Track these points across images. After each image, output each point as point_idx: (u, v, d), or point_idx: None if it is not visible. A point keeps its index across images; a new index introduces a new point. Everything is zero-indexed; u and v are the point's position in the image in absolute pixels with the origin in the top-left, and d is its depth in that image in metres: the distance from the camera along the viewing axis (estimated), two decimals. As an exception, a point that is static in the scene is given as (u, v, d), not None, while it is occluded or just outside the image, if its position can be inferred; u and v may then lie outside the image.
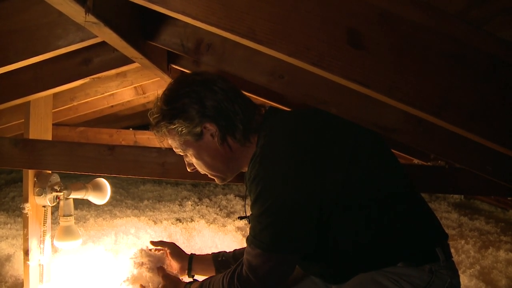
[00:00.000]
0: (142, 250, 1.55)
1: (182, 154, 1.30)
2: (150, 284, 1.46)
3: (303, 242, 1.12)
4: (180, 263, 1.56)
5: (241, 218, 1.47)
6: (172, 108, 1.20)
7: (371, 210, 1.13)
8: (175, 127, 1.20)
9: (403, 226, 1.15)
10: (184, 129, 1.20)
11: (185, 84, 1.22)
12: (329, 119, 1.27)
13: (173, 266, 1.56)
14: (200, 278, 1.58)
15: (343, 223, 1.14)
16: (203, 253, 1.63)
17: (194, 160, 1.28)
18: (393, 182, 1.19)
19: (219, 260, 1.54)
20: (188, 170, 1.33)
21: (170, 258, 1.56)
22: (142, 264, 1.51)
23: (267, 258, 1.12)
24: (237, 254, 1.55)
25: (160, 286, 1.44)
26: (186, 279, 1.56)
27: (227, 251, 1.58)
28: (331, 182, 1.10)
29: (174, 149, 1.30)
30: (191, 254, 1.59)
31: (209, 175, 1.32)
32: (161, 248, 1.59)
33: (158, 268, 1.48)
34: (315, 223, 1.11)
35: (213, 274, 1.54)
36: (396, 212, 1.15)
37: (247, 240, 1.16)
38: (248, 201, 1.21)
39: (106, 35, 1.27)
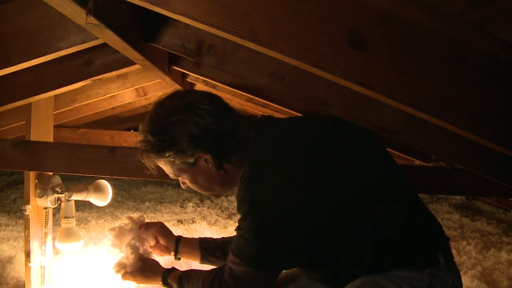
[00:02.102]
0: (130, 217, 1.56)
1: (175, 178, 1.27)
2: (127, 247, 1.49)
3: (287, 260, 1.13)
4: (167, 243, 1.56)
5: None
6: (161, 140, 1.15)
7: (371, 217, 1.12)
8: (166, 158, 1.17)
9: (403, 232, 1.14)
10: (176, 159, 1.17)
11: (170, 112, 1.16)
12: (323, 129, 1.21)
13: (160, 246, 1.57)
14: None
15: (342, 231, 1.13)
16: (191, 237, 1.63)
17: (188, 183, 1.27)
18: (393, 188, 1.18)
19: (206, 247, 1.54)
20: (183, 187, 1.31)
21: (157, 237, 1.56)
22: (128, 224, 1.53)
23: (249, 272, 1.12)
24: (225, 242, 1.54)
25: (135, 267, 1.45)
26: (172, 259, 1.60)
27: (215, 238, 1.58)
28: (327, 196, 1.09)
29: (167, 173, 1.26)
30: (179, 236, 1.59)
31: (203, 193, 1.32)
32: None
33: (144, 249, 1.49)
34: (305, 241, 1.11)
35: (198, 259, 1.54)
36: (396, 218, 1.14)
37: (231, 249, 1.16)
38: None
39: (107, 36, 1.27)
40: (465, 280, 2.56)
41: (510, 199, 3.38)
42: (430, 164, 2.20)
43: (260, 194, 1.09)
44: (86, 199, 2.07)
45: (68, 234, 2.05)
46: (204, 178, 1.22)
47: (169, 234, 1.58)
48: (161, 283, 1.38)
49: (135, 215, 1.58)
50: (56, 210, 2.39)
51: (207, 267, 1.43)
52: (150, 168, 1.26)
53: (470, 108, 1.06)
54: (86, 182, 2.17)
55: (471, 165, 1.73)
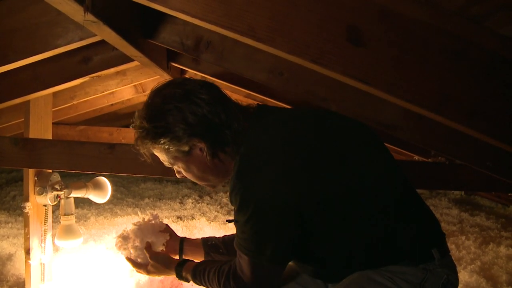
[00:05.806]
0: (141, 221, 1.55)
1: (170, 166, 1.28)
2: (136, 250, 1.47)
3: (287, 251, 1.13)
4: (172, 244, 1.56)
5: (229, 221, 1.46)
6: (156, 126, 1.15)
7: (364, 213, 1.12)
8: (161, 145, 1.17)
9: (397, 229, 1.14)
10: (171, 147, 1.17)
11: (166, 99, 1.16)
12: (317, 122, 1.21)
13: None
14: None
15: (335, 228, 1.13)
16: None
17: (183, 172, 1.27)
18: (388, 184, 1.17)
19: (209, 245, 1.55)
20: (178, 176, 1.32)
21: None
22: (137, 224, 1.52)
23: (254, 265, 1.14)
24: (226, 240, 1.55)
25: (148, 266, 1.44)
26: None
27: (217, 236, 1.59)
28: (318, 189, 1.09)
29: (162, 161, 1.27)
30: (182, 236, 1.60)
31: (198, 183, 1.32)
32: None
33: (146, 247, 1.47)
34: (296, 231, 1.11)
35: (202, 258, 1.55)
36: (391, 215, 1.14)
37: (235, 243, 1.17)
38: None
39: (105, 33, 1.27)
40: (464, 275, 2.57)
41: (509, 194, 3.39)
42: (429, 160, 2.20)
43: (251, 185, 1.09)
44: (86, 196, 2.07)
45: (68, 231, 2.05)
46: (198, 168, 1.23)
47: (173, 235, 1.59)
48: (175, 276, 1.38)
49: (146, 216, 1.57)
50: (56, 207, 2.39)
51: None
52: (145, 156, 1.25)
53: (470, 103, 1.06)
54: (85, 179, 2.17)
55: (470, 160, 1.73)
